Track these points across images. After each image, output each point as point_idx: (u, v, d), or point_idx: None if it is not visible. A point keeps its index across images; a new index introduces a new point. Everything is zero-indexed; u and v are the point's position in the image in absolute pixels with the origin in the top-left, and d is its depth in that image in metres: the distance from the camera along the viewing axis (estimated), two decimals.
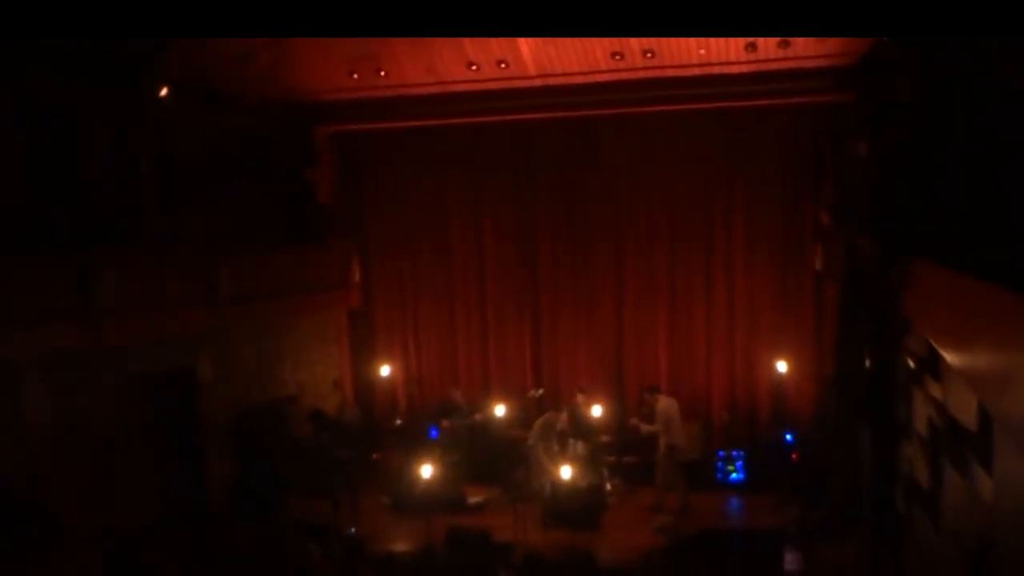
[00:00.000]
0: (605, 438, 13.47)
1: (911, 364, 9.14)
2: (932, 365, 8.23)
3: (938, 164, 7.75)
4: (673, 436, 12.71)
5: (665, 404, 12.86)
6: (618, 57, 12.68)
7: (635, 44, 12.39)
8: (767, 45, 12.08)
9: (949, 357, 6.96)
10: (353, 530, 11.83)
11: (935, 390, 8.27)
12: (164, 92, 11.44)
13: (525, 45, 12.59)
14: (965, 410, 7.17)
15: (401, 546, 11.67)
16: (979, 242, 6.26)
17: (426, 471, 11.63)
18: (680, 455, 12.83)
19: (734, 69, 12.77)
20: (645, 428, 12.96)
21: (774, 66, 12.58)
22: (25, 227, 10.53)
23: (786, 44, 11.97)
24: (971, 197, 6.83)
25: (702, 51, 12.45)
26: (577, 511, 12.32)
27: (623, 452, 13.79)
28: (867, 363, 10.67)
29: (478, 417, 14.32)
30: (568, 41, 12.45)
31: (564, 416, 13.35)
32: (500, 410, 13.66)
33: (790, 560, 10.82)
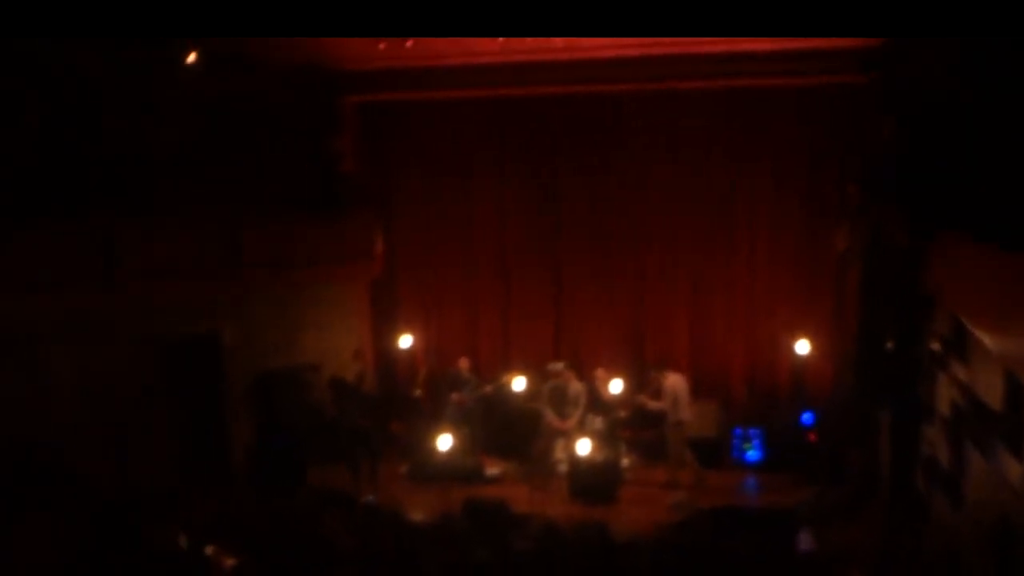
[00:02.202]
0: (623, 413, 13.48)
1: (936, 345, 9.10)
2: (958, 345, 8.19)
3: (969, 138, 7.69)
4: (680, 412, 12.73)
5: (673, 381, 12.87)
6: None
7: None
8: None
9: (982, 335, 6.90)
10: (371, 498, 11.91)
11: (960, 371, 8.24)
12: (192, 58, 11.41)
13: None
14: (991, 391, 7.14)
15: (418, 516, 11.72)
16: (1013, 217, 6.18)
17: (444, 442, 11.68)
18: (687, 431, 12.84)
19: (761, 46, 12.65)
20: (652, 405, 12.97)
21: (801, 45, 12.44)
22: (47, 191, 10.57)
23: None
24: (1004, 171, 6.76)
25: None
26: (594, 485, 12.39)
27: (641, 427, 13.80)
28: (889, 344, 10.63)
29: (489, 388, 14.35)
30: None
31: (574, 379, 13.43)
32: (520, 383, 13.69)
33: (804, 540, 10.82)
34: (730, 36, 11.68)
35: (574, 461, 12.56)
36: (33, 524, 9.39)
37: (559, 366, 13.64)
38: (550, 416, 13.21)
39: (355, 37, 11.55)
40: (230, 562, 9.13)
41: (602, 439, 12.91)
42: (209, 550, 9.31)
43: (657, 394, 12.97)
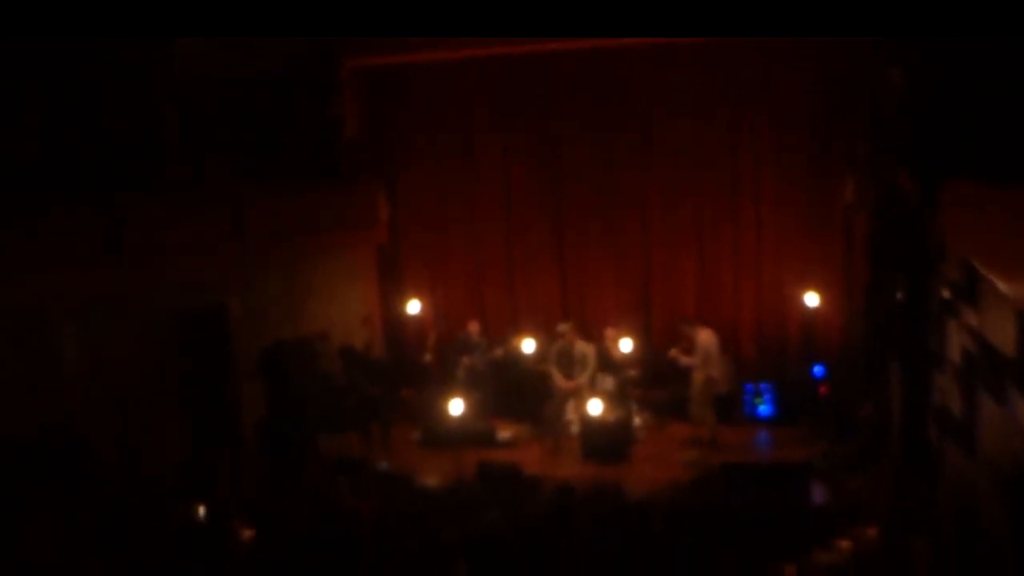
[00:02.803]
0: (633, 372, 13.48)
1: (945, 293, 9.05)
2: (969, 291, 8.14)
3: (976, 84, 7.61)
4: (711, 369, 12.70)
5: (705, 337, 12.80)
6: None
7: None
8: None
9: (995, 279, 6.85)
10: (384, 465, 11.95)
11: (971, 317, 8.19)
12: None
13: None
14: (1003, 336, 7.09)
15: (431, 481, 11.76)
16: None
17: (455, 407, 11.69)
18: (716, 388, 12.84)
19: None
20: (685, 360, 12.88)
21: None
22: (51, 174, 10.55)
23: None
24: (1012, 113, 6.69)
25: None
26: (606, 445, 12.40)
27: (652, 386, 13.80)
28: (899, 294, 10.59)
29: (499, 351, 14.33)
30: None
31: (579, 339, 13.40)
32: (529, 345, 13.68)
33: (817, 492, 10.84)
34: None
35: (586, 422, 12.56)
36: (49, 504, 9.45)
37: (566, 327, 13.61)
38: (556, 376, 13.21)
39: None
40: (248, 533, 9.19)
41: (613, 399, 12.91)
42: (227, 522, 9.39)
43: (689, 350, 12.91)
